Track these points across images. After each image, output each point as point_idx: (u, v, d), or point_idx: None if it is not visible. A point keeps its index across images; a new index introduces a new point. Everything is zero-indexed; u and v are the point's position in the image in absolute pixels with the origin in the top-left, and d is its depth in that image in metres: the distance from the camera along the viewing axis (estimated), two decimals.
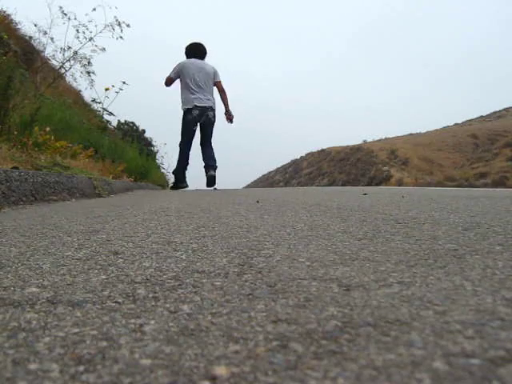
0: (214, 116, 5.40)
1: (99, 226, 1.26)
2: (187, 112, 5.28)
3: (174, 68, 5.40)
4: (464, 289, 0.56)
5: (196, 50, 5.51)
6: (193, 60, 5.41)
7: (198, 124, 5.35)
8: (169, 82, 5.47)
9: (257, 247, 0.90)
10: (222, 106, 5.56)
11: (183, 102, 5.33)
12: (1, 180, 1.92)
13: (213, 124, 5.43)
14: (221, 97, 5.52)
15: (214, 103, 5.43)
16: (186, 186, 5.62)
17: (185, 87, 5.31)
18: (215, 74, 5.44)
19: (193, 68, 5.31)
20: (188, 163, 5.54)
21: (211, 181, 5.28)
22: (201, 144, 5.45)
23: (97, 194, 3.21)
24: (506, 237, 0.97)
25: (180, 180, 5.56)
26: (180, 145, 5.41)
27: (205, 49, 5.58)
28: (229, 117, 5.60)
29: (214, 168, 5.34)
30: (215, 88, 5.50)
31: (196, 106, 5.25)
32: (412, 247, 0.87)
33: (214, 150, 5.49)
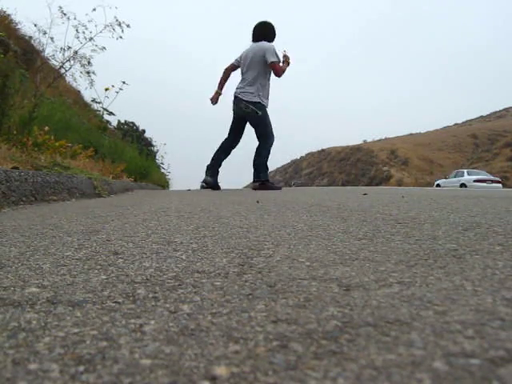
0: (248, 107, 4.61)
1: (99, 226, 1.26)
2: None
3: (240, 54, 4.85)
4: (464, 289, 0.56)
5: (254, 32, 4.78)
6: (251, 45, 4.79)
7: (246, 120, 4.72)
8: (229, 68, 4.85)
9: (257, 247, 0.90)
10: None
11: None
12: (1, 180, 1.92)
13: (252, 118, 4.64)
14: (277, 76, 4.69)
15: (255, 92, 4.64)
16: (205, 182, 4.78)
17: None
18: (265, 54, 4.57)
19: (244, 54, 4.75)
20: (216, 161, 4.77)
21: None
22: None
23: (97, 194, 3.21)
24: (506, 237, 0.97)
25: (206, 174, 4.77)
26: None
27: (260, 28, 4.75)
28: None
29: (258, 176, 4.65)
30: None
31: (235, 94, 4.75)
32: (412, 247, 0.87)
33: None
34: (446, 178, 18.77)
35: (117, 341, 0.41)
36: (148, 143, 12.88)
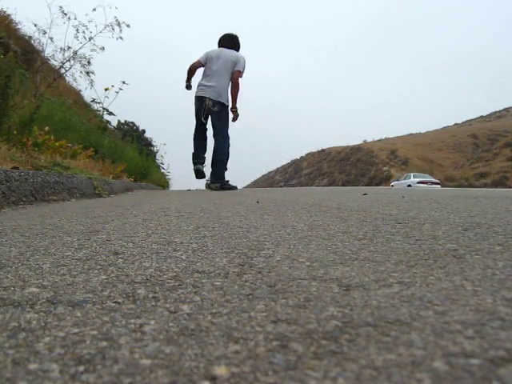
0: (215, 106, 4.84)
1: (99, 226, 1.26)
2: (194, 100, 5.05)
3: (204, 53, 5.10)
4: (464, 289, 0.56)
5: (225, 40, 5.18)
6: (220, 49, 5.10)
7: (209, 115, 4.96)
8: (196, 65, 5.09)
9: (257, 247, 0.90)
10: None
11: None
12: (1, 180, 1.92)
13: (216, 114, 4.88)
14: (230, 89, 4.98)
15: (222, 94, 4.91)
16: (197, 170, 5.03)
17: (201, 75, 5.09)
18: (236, 62, 4.93)
19: (214, 55, 5.00)
20: (200, 154, 5.08)
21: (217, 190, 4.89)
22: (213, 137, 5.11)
23: (97, 194, 3.21)
24: (506, 237, 0.97)
25: (193, 162, 5.15)
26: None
27: (231, 39, 5.20)
28: (232, 114, 5.02)
29: (214, 180, 4.86)
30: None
31: (199, 95, 4.95)
32: (412, 247, 0.87)
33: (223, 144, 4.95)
34: (398, 180, 22.97)
35: (117, 341, 0.41)
36: (148, 143, 12.87)
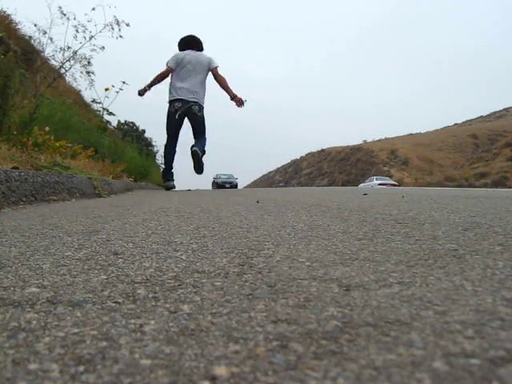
0: (200, 111, 5.06)
1: (99, 226, 1.26)
2: (170, 104, 5.07)
3: (172, 58, 5.16)
4: (464, 289, 0.56)
5: (191, 42, 5.28)
6: (187, 51, 5.18)
7: (186, 119, 5.09)
8: (166, 73, 5.17)
9: (257, 247, 0.90)
10: (225, 93, 5.13)
11: (169, 93, 5.13)
12: (1, 180, 1.92)
13: (200, 119, 5.09)
14: (220, 84, 5.12)
15: (202, 97, 5.12)
16: (171, 187, 5.33)
17: (173, 78, 5.12)
18: (210, 61, 5.09)
19: (186, 59, 5.07)
20: (171, 171, 5.31)
21: (195, 157, 4.96)
22: (194, 137, 5.25)
23: (97, 194, 3.21)
24: (506, 237, 0.97)
25: (164, 179, 5.40)
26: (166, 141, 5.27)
27: (198, 39, 5.34)
28: (237, 101, 5.07)
29: (198, 148, 4.99)
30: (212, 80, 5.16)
31: (178, 98, 4.99)
32: (412, 247, 0.87)
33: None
34: (364, 182, 26.16)
35: (117, 341, 0.41)
36: (148, 143, 12.86)
